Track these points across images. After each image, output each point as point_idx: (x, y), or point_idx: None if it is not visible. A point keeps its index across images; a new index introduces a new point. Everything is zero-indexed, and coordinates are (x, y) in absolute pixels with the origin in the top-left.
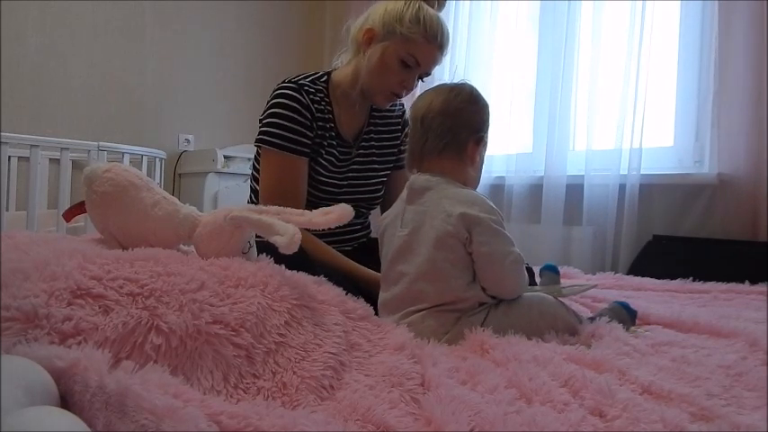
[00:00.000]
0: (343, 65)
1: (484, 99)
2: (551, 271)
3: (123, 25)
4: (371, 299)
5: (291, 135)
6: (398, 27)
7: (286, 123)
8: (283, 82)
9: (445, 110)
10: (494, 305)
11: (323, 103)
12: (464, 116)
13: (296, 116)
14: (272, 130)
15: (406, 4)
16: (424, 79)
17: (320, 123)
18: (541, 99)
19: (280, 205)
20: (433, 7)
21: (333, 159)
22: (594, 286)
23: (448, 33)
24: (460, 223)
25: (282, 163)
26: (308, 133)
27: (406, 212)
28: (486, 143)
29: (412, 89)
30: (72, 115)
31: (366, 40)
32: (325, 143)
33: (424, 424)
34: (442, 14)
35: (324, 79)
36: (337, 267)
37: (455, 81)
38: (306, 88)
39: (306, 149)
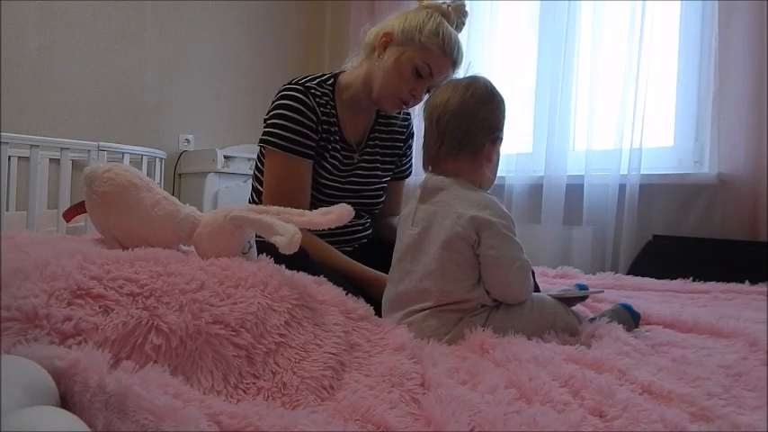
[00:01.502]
0: (352, 67)
1: (499, 94)
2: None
3: (123, 25)
4: (372, 299)
5: (296, 137)
6: (418, 35)
7: (291, 125)
8: (289, 83)
9: (461, 111)
10: (494, 306)
11: (328, 106)
12: (480, 117)
13: (301, 118)
14: (276, 131)
15: (427, 16)
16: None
17: (325, 126)
18: (541, 99)
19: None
20: (452, 26)
21: (336, 163)
22: (601, 292)
23: (463, 53)
24: (470, 226)
25: (286, 165)
26: (312, 135)
27: (418, 211)
28: (502, 139)
29: (420, 100)
30: (72, 115)
31: (383, 44)
32: (330, 146)
33: (424, 424)
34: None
35: (330, 82)
36: (338, 267)
37: (468, 75)
38: (312, 91)
39: (310, 152)
